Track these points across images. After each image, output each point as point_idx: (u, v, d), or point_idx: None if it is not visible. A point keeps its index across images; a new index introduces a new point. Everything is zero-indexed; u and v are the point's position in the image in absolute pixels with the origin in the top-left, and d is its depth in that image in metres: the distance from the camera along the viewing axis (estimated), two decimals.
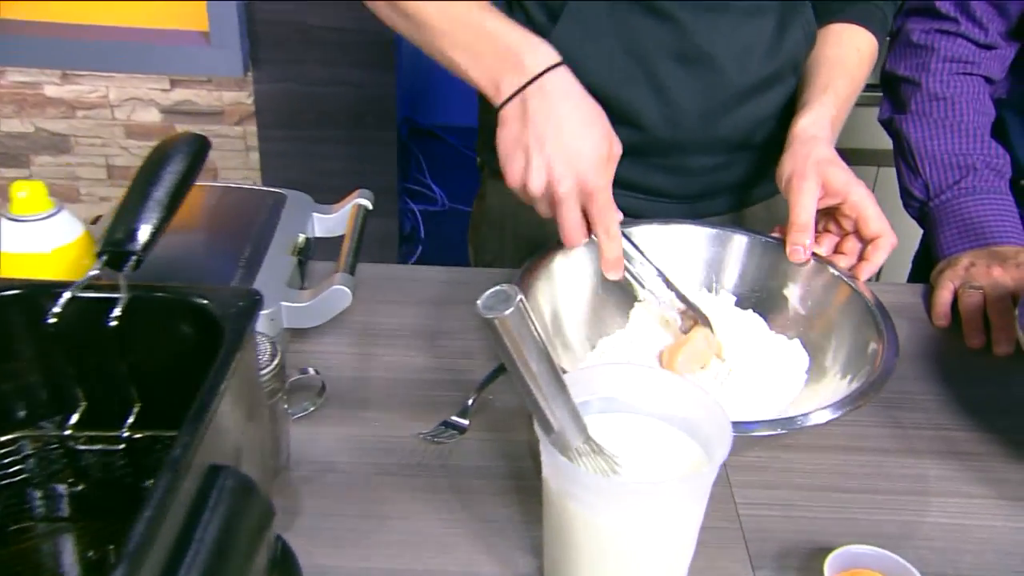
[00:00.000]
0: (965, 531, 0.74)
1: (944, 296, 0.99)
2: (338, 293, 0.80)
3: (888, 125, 1.17)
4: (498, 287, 0.53)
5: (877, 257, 0.88)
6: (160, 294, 0.54)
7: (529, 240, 1.05)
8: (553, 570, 0.65)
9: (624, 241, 0.84)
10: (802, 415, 0.70)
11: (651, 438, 0.64)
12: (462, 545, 0.69)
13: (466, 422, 0.80)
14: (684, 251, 0.90)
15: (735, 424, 0.68)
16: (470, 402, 0.82)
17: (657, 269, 0.86)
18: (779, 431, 0.69)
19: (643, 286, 0.86)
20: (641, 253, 0.86)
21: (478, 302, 0.52)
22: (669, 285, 0.85)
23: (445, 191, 3.03)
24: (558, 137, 0.79)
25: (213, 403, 0.47)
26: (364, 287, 0.97)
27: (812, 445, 0.81)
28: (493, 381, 0.83)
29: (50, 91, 2.34)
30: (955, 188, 1.07)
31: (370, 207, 0.93)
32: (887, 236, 0.87)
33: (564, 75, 0.82)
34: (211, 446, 0.46)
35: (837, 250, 0.91)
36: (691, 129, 1.00)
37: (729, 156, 1.05)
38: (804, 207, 0.87)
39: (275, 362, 0.70)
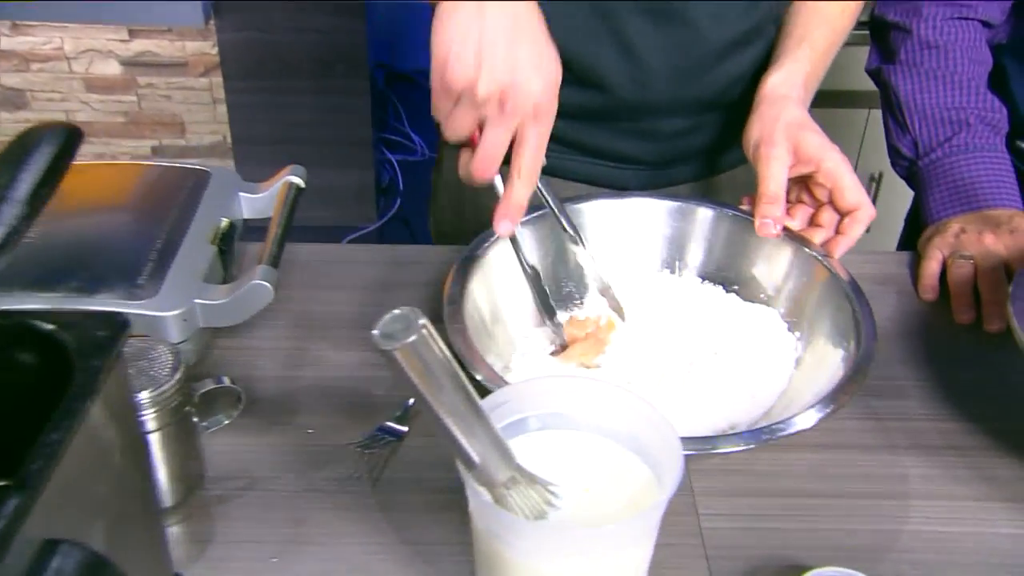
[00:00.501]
0: (951, 539, 0.67)
1: (931, 267, 0.91)
2: (257, 289, 0.72)
3: (876, 76, 1.08)
4: (398, 311, 0.45)
5: (854, 231, 0.80)
6: None
7: (490, 212, 0.97)
8: None
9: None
10: (767, 426, 0.63)
11: (594, 460, 0.57)
12: (389, 574, 0.63)
13: (404, 428, 0.73)
14: (643, 227, 0.82)
15: (696, 440, 0.61)
16: (410, 402, 0.75)
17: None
18: (743, 447, 0.62)
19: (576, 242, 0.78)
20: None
21: (374, 331, 0.45)
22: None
23: (425, 139, 2.91)
24: (520, 41, 0.65)
25: (48, 466, 0.39)
26: (301, 270, 0.89)
27: (783, 443, 0.73)
28: None
29: (1, 43, 2.23)
30: (946, 145, 0.99)
31: (302, 185, 0.85)
32: (865, 208, 0.79)
33: None
34: (46, 516, 0.39)
35: (812, 222, 0.83)
36: (661, 91, 0.91)
37: (701, 117, 0.97)
38: (773, 176, 0.79)
39: (177, 375, 0.62)
